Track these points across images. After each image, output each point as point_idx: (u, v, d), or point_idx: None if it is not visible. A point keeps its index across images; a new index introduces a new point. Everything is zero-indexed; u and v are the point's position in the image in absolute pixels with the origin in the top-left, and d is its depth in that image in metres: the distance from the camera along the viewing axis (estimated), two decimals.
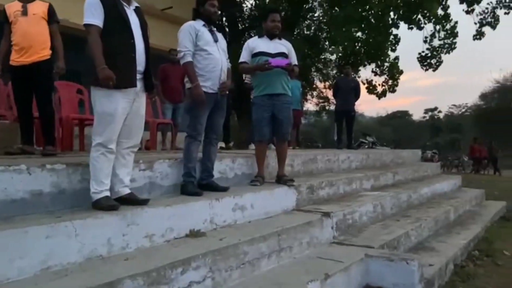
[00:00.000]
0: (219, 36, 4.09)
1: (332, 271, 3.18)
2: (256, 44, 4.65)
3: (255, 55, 4.59)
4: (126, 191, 3.15)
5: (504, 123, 35.86)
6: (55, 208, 2.87)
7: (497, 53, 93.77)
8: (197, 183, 3.96)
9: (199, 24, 3.96)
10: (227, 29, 14.60)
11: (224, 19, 15.17)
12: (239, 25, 16.05)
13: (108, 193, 2.98)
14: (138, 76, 3.14)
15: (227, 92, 4.17)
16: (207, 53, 3.89)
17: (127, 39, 3.05)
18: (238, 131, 14.05)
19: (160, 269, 2.46)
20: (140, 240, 2.86)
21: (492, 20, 12.83)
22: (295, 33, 15.24)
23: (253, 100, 4.80)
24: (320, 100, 21.89)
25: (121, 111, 3.00)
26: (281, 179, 4.65)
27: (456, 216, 6.55)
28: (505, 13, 12.70)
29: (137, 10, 3.22)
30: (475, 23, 13.56)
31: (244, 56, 4.64)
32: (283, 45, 4.68)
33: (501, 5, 12.89)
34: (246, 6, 16.59)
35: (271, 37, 4.66)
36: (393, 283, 3.42)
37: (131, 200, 3.08)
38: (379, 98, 15.94)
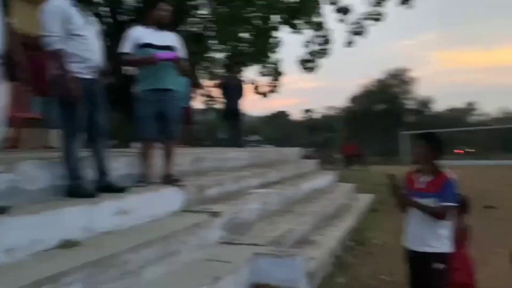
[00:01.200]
0: (90, 17, 3.67)
1: (221, 273, 3.10)
2: (141, 34, 4.24)
3: (140, 46, 4.22)
4: None
5: (369, 124, 40.28)
6: None
7: (366, 61, 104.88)
8: (93, 184, 3.55)
9: (65, 3, 3.46)
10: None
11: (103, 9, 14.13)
12: (120, 16, 15.12)
13: None
14: None
15: (106, 82, 3.77)
16: (81, 38, 3.47)
17: None
18: (122, 128, 13.22)
19: None
20: None
21: (361, 29, 14.23)
22: (179, 29, 14.93)
23: (137, 95, 4.40)
24: (207, 99, 21.87)
25: None
26: (168, 179, 4.40)
27: (333, 209, 7.03)
28: (371, 24, 14.19)
29: None
30: (346, 32, 14.85)
31: (126, 47, 4.19)
32: (171, 37, 4.38)
33: (368, 17, 14.33)
34: None
35: (159, 27, 4.35)
36: (280, 279, 3.47)
37: None
38: (264, 97, 16.52)
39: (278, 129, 53.33)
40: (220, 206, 4.54)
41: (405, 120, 47.21)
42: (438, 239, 3.06)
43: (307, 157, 21.48)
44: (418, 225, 3.13)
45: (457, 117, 58.42)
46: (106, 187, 3.62)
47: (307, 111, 60.28)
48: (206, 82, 20.36)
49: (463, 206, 3.47)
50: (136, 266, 2.85)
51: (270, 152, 9.22)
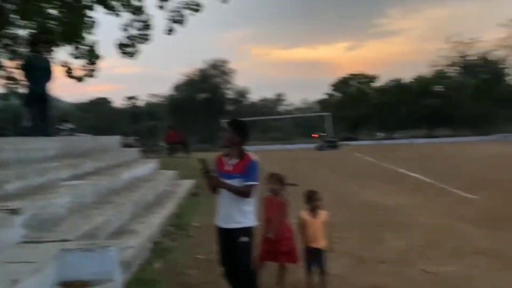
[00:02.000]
0: None
1: (21, 275, 2.78)
2: None
3: None
4: None
5: (192, 112, 41.29)
6: None
7: (189, 50, 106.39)
8: None
9: None
10: None
11: None
12: None
13: None
14: None
15: None
16: None
17: None
18: None
19: None
20: None
21: (181, 18, 14.33)
22: None
23: None
24: (9, 82, 18.87)
25: None
26: None
27: (154, 196, 7.02)
28: (191, 14, 14.42)
29: None
30: (167, 19, 14.76)
31: None
32: None
33: (187, 6, 14.51)
34: None
35: None
36: (92, 273, 3.30)
37: None
38: (78, 82, 15.15)
39: (99, 117, 49.85)
40: (21, 202, 4.04)
41: (226, 109, 50.10)
42: (244, 215, 3.38)
43: (129, 145, 20.79)
44: (227, 204, 3.39)
45: (269, 106, 64.90)
46: None
47: (130, 98, 58.14)
48: (6, 62, 17.56)
49: (283, 184, 3.93)
50: None
51: (85, 141, 8.59)
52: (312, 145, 31.83)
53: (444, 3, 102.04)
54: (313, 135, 36.22)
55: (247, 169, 3.34)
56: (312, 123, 54.49)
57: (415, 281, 4.10)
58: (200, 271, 4.29)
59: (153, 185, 7.34)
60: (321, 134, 32.64)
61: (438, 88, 45.39)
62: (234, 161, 3.40)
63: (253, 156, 3.43)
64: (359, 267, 4.51)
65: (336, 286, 3.96)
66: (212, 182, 3.38)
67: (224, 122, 3.47)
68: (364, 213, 7.30)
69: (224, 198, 3.44)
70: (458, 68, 46.98)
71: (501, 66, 44.25)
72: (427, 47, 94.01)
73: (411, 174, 12.49)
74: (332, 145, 30.63)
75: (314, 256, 3.83)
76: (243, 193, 3.32)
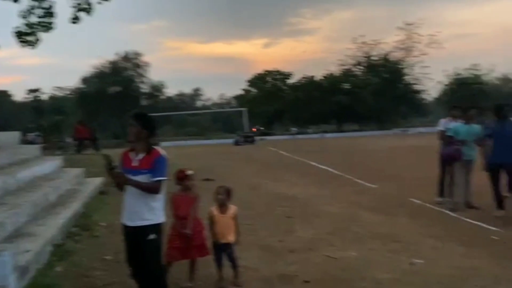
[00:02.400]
0: None
1: None
2: None
3: None
4: None
5: (104, 106, 39.14)
6: None
7: (97, 40, 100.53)
8: None
9: None
10: None
11: None
12: None
13: None
14: None
15: None
16: None
17: None
18: None
19: None
20: None
21: (87, 6, 13.46)
22: None
23: None
24: None
25: None
26: None
27: (57, 196, 6.54)
28: (98, 3, 13.61)
29: None
30: (72, 7, 13.78)
31: None
32: None
33: None
34: None
35: None
36: None
37: None
38: None
39: None
40: None
41: (140, 104, 48.28)
42: (151, 212, 3.27)
43: (30, 142, 19.12)
44: (133, 201, 3.26)
45: (186, 101, 64.03)
46: None
47: (33, 91, 53.37)
48: None
49: (180, 179, 3.86)
50: None
51: None
52: (230, 140, 32.10)
53: (352, 6, 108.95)
54: (252, 128, 36.82)
55: (155, 164, 3.23)
56: (230, 119, 54.94)
57: (319, 266, 4.33)
58: (107, 272, 4.10)
59: (56, 184, 6.83)
60: (259, 128, 32.90)
61: (346, 85, 48.34)
62: (141, 156, 3.27)
63: (161, 151, 3.34)
64: (269, 257, 4.65)
65: (248, 277, 4.04)
66: (118, 179, 3.22)
67: (130, 116, 3.36)
68: (276, 204, 7.54)
69: (130, 195, 3.30)
70: (362, 67, 50.44)
71: (399, 66, 48.39)
72: (336, 46, 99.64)
73: (321, 166, 13.18)
74: (249, 140, 31.17)
75: (224, 251, 3.86)
76: (152, 189, 3.22)
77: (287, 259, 4.58)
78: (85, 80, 47.02)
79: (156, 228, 3.32)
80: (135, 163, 3.27)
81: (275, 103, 48.38)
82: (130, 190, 3.28)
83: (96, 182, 8.60)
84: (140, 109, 42.29)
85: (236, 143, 30.09)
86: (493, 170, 6.17)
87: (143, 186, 3.20)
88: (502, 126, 6.16)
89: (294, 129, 45.05)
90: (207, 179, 9.74)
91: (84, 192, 7.36)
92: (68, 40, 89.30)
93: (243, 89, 54.54)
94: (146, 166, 3.23)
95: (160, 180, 3.23)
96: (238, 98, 55.41)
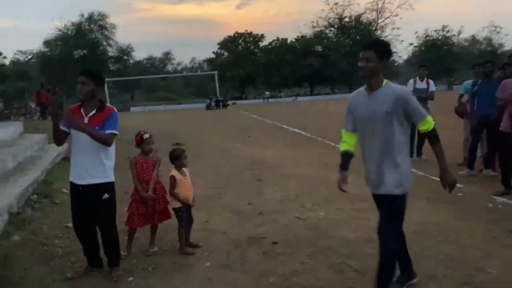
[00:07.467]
0: None
1: None
2: None
3: None
4: None
5: (69, 70, 37.58)
6: None
7: (63, 1, 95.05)
8: None
9: None
10: None
11: None
12: None
13: None
14: None
15: None
16: None
17: None
18: None
19: None
20: None
21: None
22: None
23: None
24: None
25: None
26: None
27: (16, 163, 6.24)
28: None
29: None
30: None
31: None
32: None
33: None
34: None
35: None
36: None
37: None
38: None
39: None
40: None
41: (108, 68, 46.60)
42: (104, 170, 3.10)
43: None
44: (83, 157, 3.07)
45: (156, 66, 62.22)
46: None
47: None
48: None
49: (138, 142, 3.67)
50: None
51: None
52: (202, 105, 31.62)
53: None
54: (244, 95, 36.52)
55: (107, 119, 3.05)
56: (203, 83, 53.82)
57: (287, 227, 4.30)
58: (68, 240, 3.93)
59: (14, 150, 6.50)
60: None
61: (318, 48, 47.97)
62: (92, 113, 3.07)
63: (113, 107, 3.17)
64: (238, 220, 4.58)
65: (216, 241, 3.97)
66: (74, 123, 2.95)
67: (80, 73, 3.12)
68: (246, 168, 7.46)
69: (79, 151, 3.09)
70: (335, 29, 50.03)
71: (371, 28, 48.26)
72: (309, 7, 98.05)
73: (293, 129, 13.13)
74: (222, 104, 30.81)
75: (186, 213, 3.76)
76: (104, 140, 3.02)
77: (256, 221, 4.53)
78: (48, 43, 44.70)
79: (109, 186, 3.15)
80: (86, 120, 3.06)
81: (248, 67, 47.66)
82: (79, 146, 3.08)
83: (59, 148, 8.23)
84: (108, 73, 40.89)
85: (208, 108, 29.69)
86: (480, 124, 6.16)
87: (97, 135, 2.99)
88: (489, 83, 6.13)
89: (267, 93, 44.72)
90: (177, 144, 9.55)
91: (46, 159, 7.04)
92: (33, 1, 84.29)
93: (215, 53, 53.32)
94: (98, 122, 3.05)
95: (112, 133, 3.06)
96: (209, 62, 54.15)
